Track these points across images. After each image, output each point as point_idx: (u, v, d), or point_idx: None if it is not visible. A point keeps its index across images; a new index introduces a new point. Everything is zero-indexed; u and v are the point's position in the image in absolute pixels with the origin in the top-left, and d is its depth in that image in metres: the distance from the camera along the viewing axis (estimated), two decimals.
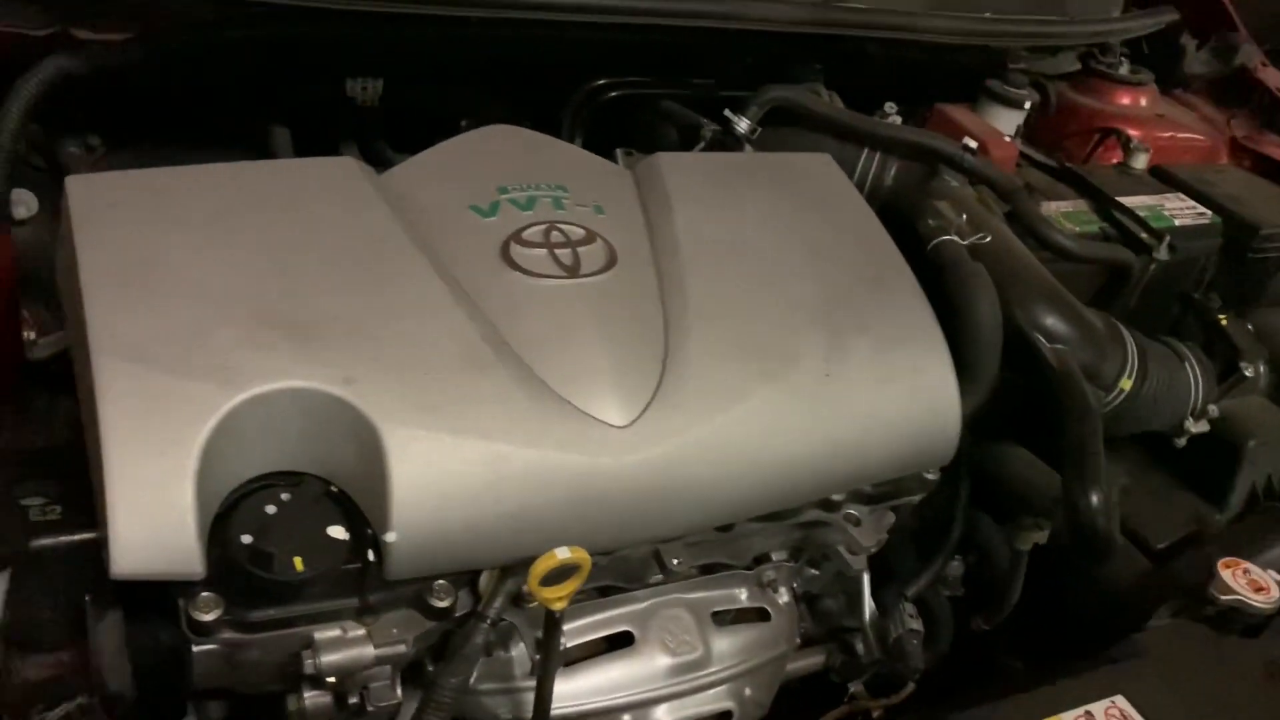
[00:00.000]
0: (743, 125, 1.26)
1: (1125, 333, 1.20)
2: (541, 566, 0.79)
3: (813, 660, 1.22)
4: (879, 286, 1.04)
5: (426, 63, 1.30)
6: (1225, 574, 1.08)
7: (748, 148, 1.26)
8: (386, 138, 1.29)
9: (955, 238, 1.14)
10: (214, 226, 0.86)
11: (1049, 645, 1.22)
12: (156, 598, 0.82)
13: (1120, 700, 0.98)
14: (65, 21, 1.04)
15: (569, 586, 0.82)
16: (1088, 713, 0.97)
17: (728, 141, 1.27)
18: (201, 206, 0.87)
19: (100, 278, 0.79)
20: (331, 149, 1.27)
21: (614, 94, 1.40)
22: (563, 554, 0.79)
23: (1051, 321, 1.13)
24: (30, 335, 1.09)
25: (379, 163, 1.29)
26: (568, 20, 1.19)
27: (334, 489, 0.81)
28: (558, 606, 0.82)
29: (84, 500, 0.89)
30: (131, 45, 1.07)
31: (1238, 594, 1.07)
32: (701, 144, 1.29)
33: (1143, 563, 1.23)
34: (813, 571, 1.12)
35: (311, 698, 0.85)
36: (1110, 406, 1.17)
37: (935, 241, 1.14)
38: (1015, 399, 1.15)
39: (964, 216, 1.17)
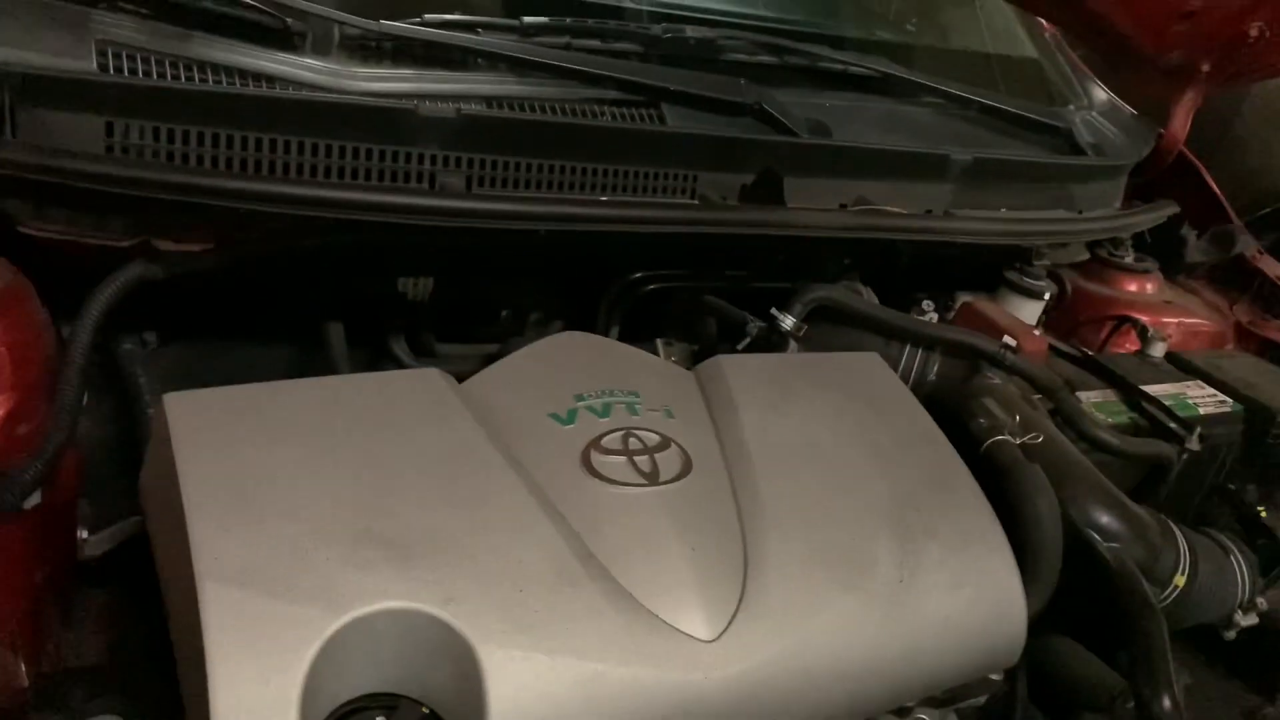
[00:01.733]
0: (788, 323, 1.29)
1: (1175, 528, 1.22)
2: None
3: None
4: (941, 488, 1.06)
5: (474, 261, 1.35)
6: None
7: (793, 344, 1.30)
8: (432, 326, 1.32)
9: (1009, 438, 1.17)
10: (310, 443, 0.87)
11: None
12: None
13: None
14: (148, 234, 1.07)
15: None
16: None
17: (773, 338, 1.30)
18: (296, 422, 0.89)
19: (203, 499, 0.80)
20: (380, 339, 1.31)
21: (651, 286, 1.45)
22: None
23: (1106, 520, 1.15)
24: (83, 534, 1.08)
25: (425, 353, 1.34)
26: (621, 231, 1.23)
27: (427, 710, 0.80)
28: None
29: (152, 714, 0.88)
30: (209, 255, 1.10)
31: None
32: (747, 339, 1.32)
33: None
34: None
35: None
36: (1165, 603, 1.18)
37: (989, 442, 1.17)
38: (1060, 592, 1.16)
39: (1016, 417, 1.20)
